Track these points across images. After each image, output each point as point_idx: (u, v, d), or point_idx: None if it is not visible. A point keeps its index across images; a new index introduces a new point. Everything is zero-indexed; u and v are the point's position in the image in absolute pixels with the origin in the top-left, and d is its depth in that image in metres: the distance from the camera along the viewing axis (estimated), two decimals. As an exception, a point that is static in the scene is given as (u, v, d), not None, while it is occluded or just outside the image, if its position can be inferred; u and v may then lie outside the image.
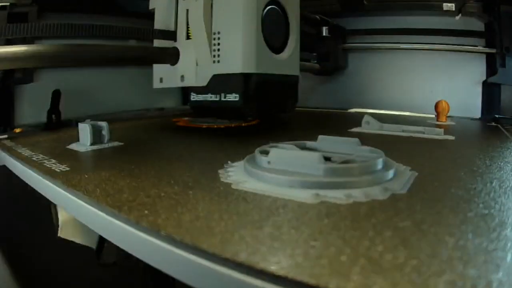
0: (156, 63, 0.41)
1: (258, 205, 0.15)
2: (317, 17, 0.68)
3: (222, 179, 0.19)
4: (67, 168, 0.23)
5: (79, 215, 0.18)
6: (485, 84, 0.64)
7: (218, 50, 0.36)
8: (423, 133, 0.33)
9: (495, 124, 0.47)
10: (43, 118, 0.49)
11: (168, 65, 0.39)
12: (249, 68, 0.35)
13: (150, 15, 0.50)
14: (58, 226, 0.32)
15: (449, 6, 0.64)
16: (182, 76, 0.39)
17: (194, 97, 0.39)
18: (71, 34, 0.34)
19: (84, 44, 0.35)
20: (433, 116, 0.46)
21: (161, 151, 0.29)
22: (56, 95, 0.49)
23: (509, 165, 0.23)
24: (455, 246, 0.12)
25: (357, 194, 0.16)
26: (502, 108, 0.63)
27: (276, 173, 0.17)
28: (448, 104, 0.43)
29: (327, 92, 0.79)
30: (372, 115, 0.37)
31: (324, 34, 0.71)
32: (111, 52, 0.35)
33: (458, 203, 0.16)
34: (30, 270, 0.36)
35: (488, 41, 0.63)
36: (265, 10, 0.37)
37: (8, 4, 0.44)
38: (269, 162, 0.18)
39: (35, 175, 0.23)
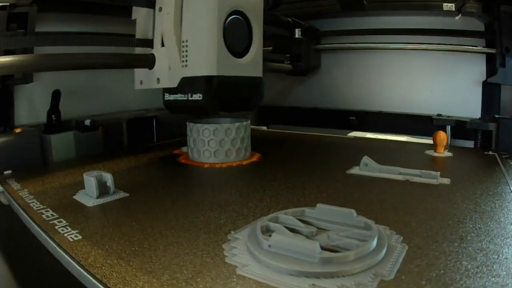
0: (136, 67, 0.46)
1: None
2: (289, 20, 0.70)
3: (227, 260, 0.21)
4: (79, 236, 0.25)
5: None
6: (485, 84, 0.64)
7: (186, 56, 0.41)
8: (420, 176, 0.34)
9: (492, 153, 0.48)
10: (43, 118, 0.50)
11: (147, 69, 0.44)
12: (211, 71, 0.40)
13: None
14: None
15: (449, 6, 0.63)
16: (158, 79, 0.43)
17: (167, 96, 0.44)
18: (71, 43, 0.39)
19: (79, 53, 0.39)
20: (431, 143, 0.47)
21: (167, 209, 0.30)
22: (56, 95, 0.50)
23: (497, 225, 0.24)
24: None
25: (349, 284, 0.18)
26: (502, 108, 0.63)
27: (276, 261, 0.19)
28: (446, 135, 0.43)
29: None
30: (370, 140, 0.38)
31: (296, 36, 0.73)
32: (100, 58, 0.41)
33: (440, 293, 0.17)
34: (30, 270, 0.38)
35: (488, 41, 0.63)
36: (228, 20, 0.41)
37: (8, 4, 0.44)
38: (270, 246, 0.20)
39: (50, 242, 0.25)
